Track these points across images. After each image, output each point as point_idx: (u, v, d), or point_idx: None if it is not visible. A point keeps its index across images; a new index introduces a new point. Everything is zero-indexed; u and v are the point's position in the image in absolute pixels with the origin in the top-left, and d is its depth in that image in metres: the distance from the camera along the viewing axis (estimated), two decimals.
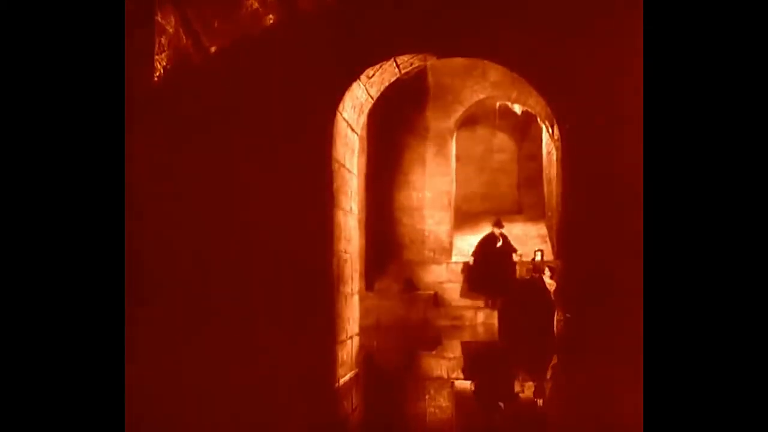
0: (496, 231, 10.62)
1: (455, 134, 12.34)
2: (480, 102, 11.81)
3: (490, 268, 10.37)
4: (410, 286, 11.24)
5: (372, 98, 6.00)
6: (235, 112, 4.90)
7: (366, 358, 6.84)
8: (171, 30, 4.12)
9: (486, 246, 10.68)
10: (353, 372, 5.70)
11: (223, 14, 4.44)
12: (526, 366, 7.46)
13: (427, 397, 5.52)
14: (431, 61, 6.64)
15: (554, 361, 7.51)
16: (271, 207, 4.93)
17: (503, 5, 5.16)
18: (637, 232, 3.09)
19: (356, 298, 6.03)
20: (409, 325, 10.30)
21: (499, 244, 10.62)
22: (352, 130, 5.86)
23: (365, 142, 10.51)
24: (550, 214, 12.02)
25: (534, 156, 14.36)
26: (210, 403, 4.17)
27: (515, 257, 10.56)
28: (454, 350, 8.50)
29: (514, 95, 11.22)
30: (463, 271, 11.05)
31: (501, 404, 5.60)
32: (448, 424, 4.69)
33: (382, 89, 6.03)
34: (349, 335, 5.63)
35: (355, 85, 5.39)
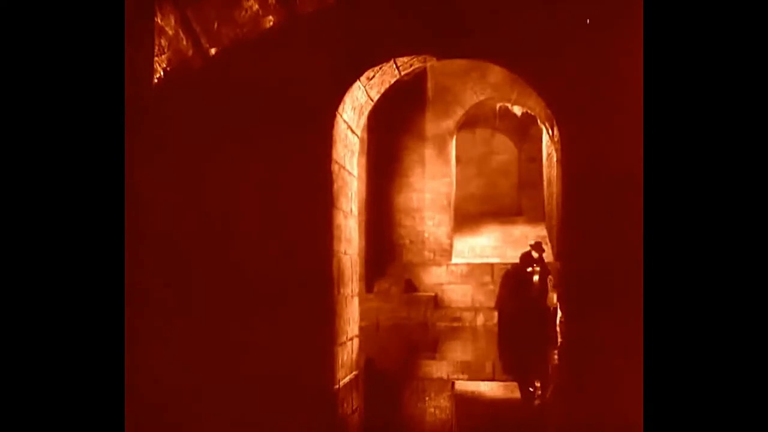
0: (535, 254, 9.43)
1: (455, 136, 12.35)
2: (480, 104, 11.83)
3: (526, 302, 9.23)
4: (410, 287, 11.23)
5: (372, 100, 6.00)
6: (235, 114, 4.91)
7: (366, 359, 6.83)
8: (171, 32, 4.13)
9: (520, 273, 9.48)
10: (353, 374, 5.70)
11: (223, 16, 4.45)
12: (527, 367, 7.45)
13: (427, 398, 5.52)
14: (431, 63, 6.64)
15: (555, 361, 7.51)
16: (270, 208, 4.93)
17: (503, 6, 5.16)
18: (637, 233, 3.09)
19: (356, 299, 6.03)
20: (410, 327, 10.29)
21: (531, 274, 9.37)
22: (352, 131, 5.86)
23: (365, 144, 10.52)
24: (550, 215, 12.02)
25: (534, 158, 14.38)
26: (209, 404, 4.17)
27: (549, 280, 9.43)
28: (455, 351, 8.50)
29: (513, 97, 11.24)
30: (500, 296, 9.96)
31: (532, 390, 5.68)
32: (448, 425, 4.68)
33: (382, 91, 6.03)
34: (348, 337, 5.63)
35: (355, 86, 5.39)
